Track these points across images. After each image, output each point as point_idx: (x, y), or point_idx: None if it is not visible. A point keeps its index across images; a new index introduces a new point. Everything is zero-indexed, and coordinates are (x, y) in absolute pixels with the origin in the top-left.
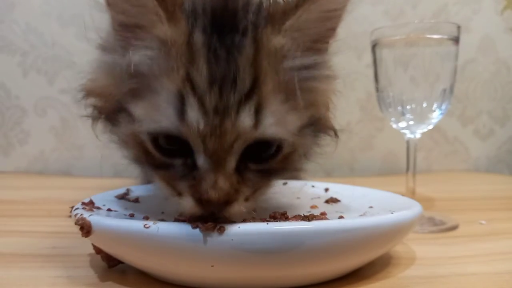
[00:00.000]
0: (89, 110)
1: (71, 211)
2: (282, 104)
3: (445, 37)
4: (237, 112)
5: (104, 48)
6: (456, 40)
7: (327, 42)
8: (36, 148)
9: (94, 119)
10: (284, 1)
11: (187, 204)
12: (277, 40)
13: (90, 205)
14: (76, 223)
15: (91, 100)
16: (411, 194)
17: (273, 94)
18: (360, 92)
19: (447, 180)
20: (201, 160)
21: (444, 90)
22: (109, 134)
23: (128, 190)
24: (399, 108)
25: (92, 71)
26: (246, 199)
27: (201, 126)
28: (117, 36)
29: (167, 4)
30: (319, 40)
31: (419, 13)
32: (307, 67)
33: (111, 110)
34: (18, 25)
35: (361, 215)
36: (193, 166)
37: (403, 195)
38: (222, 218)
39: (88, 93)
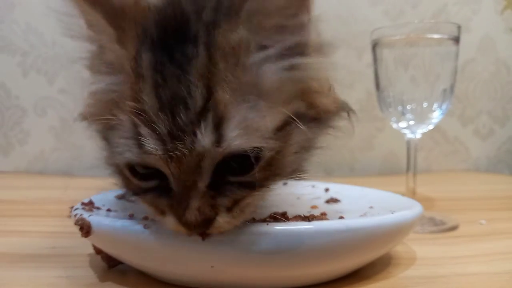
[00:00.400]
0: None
1: (71, 211)
2: (249, 108)
3: (445, 37)
4: (193, 133)
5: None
6: (456, 40)
7: (298, 16)
8: (36, 148)
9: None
10: None
11: (171, 223)
12: (234, 36)
13: (89, 205)
14: (75, 223)
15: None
16: (412, 194)
17: (236, 101)
18: (360, 92)
19: (447, 180)
20: (172, 184)
21: (445, 90)
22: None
23: None
24: (400, 108)
25: (88, 96)
26: (229, 210)
27: (159, 153)
28: (98, 59)
29: (117, 20)
30: (287, 17)
31: (419, 13)
32: (279, 55)
33: (101, 137)
34: (18, 25)
35: (361, 215)
36: (170, 188)
37: (403, 195)
38: (211, 234)
39: (84, 119)
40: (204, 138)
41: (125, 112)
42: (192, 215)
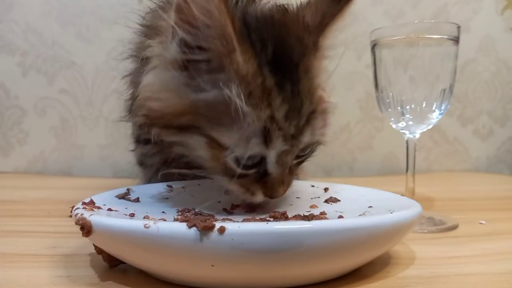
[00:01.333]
0: (138, 118)
1: (71, 211)
2: (321, 116)
3: (445, 37)
4: (302, 134)
5: (167, 66)
6: (456, 40)
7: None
8: (36, 148)
9: (140, 124)
10: (310, 23)
11: (258, 198)
12: (317, 63)
13: (90, 205)
14: (76, 223)
15: (143, 110)
16: (411, 194)
17: (320, 111)
18: (359, 92)
19: (447, 180)
20: (273, 169)
21: (444, 90)
22: (158, 136)
23: (128, 190)
24: (399, 108)
25: (155, 90)
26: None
27: (283, 148)
28: (182, 57)
29: (241, 33)
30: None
31: (419, 13)
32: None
33: (175, 126)
34: (18, 25)
35: (360, 215)
36: (264, 174)
37: (402, 195)
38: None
39: (151, 112)
40: (307, 138)
41: (258, 118)
42: (282, 190)
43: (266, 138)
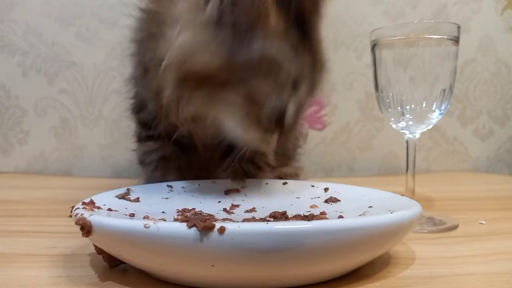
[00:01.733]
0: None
1: (71, 211)
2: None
3: (445, 37)
4: (314, 82)
5: (202, 26)
6: (456, 40)
7: None
8: (36, 148)
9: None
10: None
11: (272, 139)
12: (320, 23)
13: (90, 205)
14: (76, 223)
15: (176, 72)
16: (411, 194)
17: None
18: (359, 93)
19: (446, 180)
20: (290, 114)
21: (444, 90)
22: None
23: (128, 190)
24: (399, 108)
25: (190, 51)
26: None
27: (302, 95)
28: (217, 16)
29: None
30: None
31: (419, 13)
32: None
33: (211, 84)
34: (18, 25)
35: (360, 215)
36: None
37: (402, 195)
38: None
39: (184, 73)
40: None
41: (288, 71)
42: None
43: (295, 87)
